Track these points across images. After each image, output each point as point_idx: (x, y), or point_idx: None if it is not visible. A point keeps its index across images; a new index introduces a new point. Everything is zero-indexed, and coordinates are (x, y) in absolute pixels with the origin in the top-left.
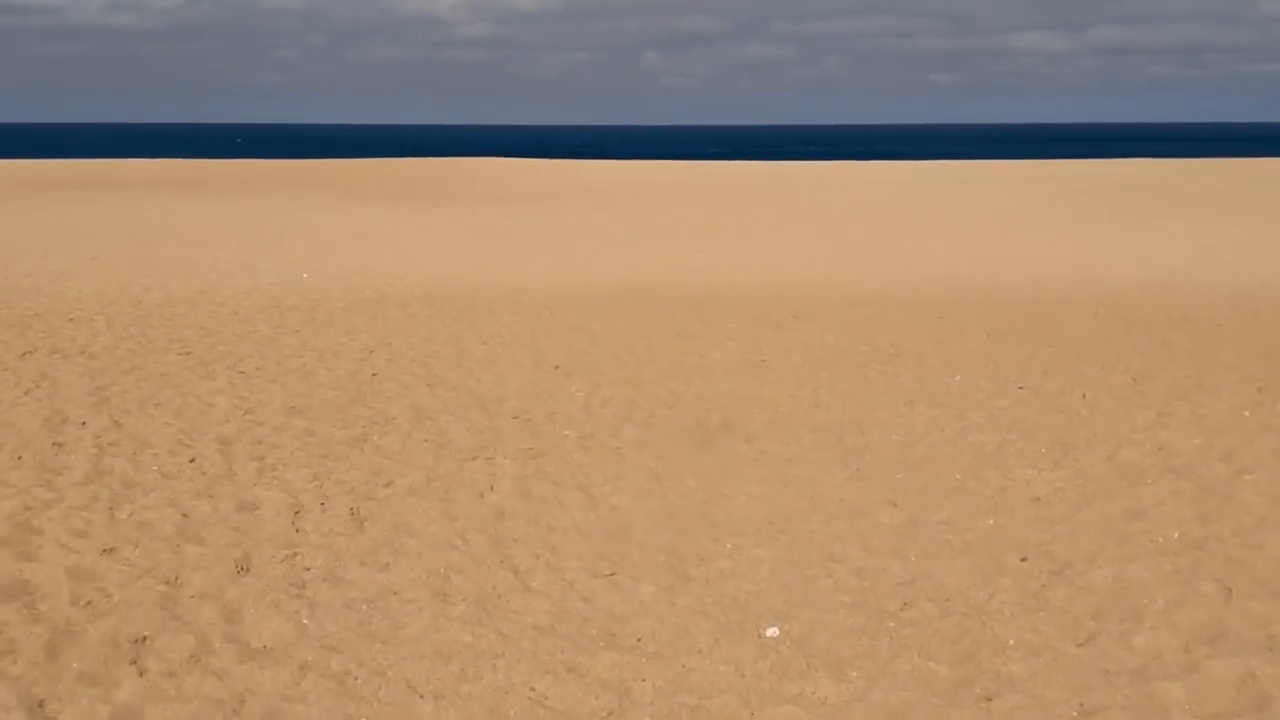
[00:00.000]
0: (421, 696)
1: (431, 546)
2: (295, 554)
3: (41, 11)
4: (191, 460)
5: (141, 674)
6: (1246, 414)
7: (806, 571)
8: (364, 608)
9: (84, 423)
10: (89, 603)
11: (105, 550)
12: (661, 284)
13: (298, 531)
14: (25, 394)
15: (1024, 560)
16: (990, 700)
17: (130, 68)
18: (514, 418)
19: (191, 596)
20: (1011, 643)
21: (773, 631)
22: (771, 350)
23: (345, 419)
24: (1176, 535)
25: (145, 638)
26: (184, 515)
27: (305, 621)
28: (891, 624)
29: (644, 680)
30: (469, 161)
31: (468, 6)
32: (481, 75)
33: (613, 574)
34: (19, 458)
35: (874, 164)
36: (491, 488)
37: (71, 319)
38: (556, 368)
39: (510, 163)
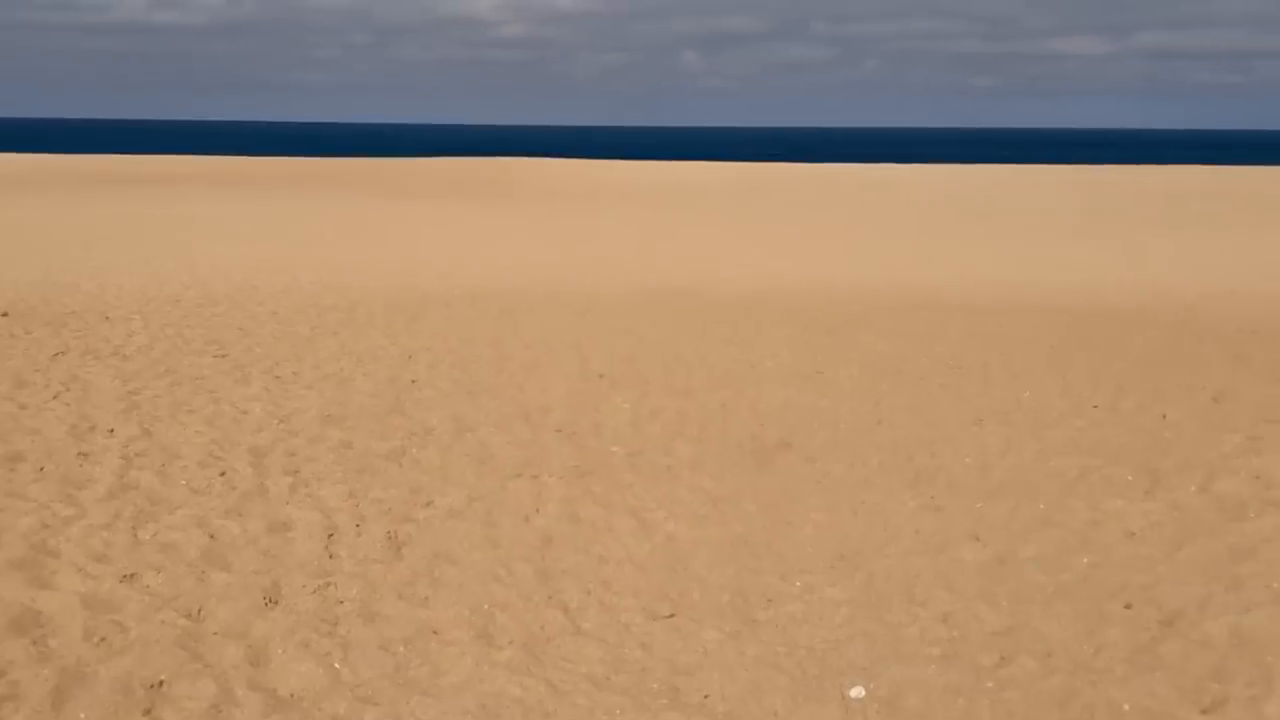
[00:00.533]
0: None
1: (474, 577)
2: (328, 584)
3: (88, 9)
4: (222, 474)
5: None
6: None
7: (888, 617)
8: (401, 649)
9: (112, 430)
10: (103, 639)
11: (125, 576)
12: (705, 286)
13: (331, 557)
14: (54, 398)
15: (1128, 607)
16: None
17: (173, 64)
18: (558, 430)
19: (215, 633)
20: (1127, 708)
21: (857, 691)
22: (827, 359)
23: (383, 430)
24: None
25: (162, 682)
26: (211, 536)
27: (337, 666)
28: (990, 683)
29: None
30: (510, 161)
31: (507, 6)
32: (520, 75)
33: (672, 615)
34: (41, 469)
35: (916, 167)
36: (537, 510)
37: (108, 317)
38: (601, 376)
39: (550, 163)
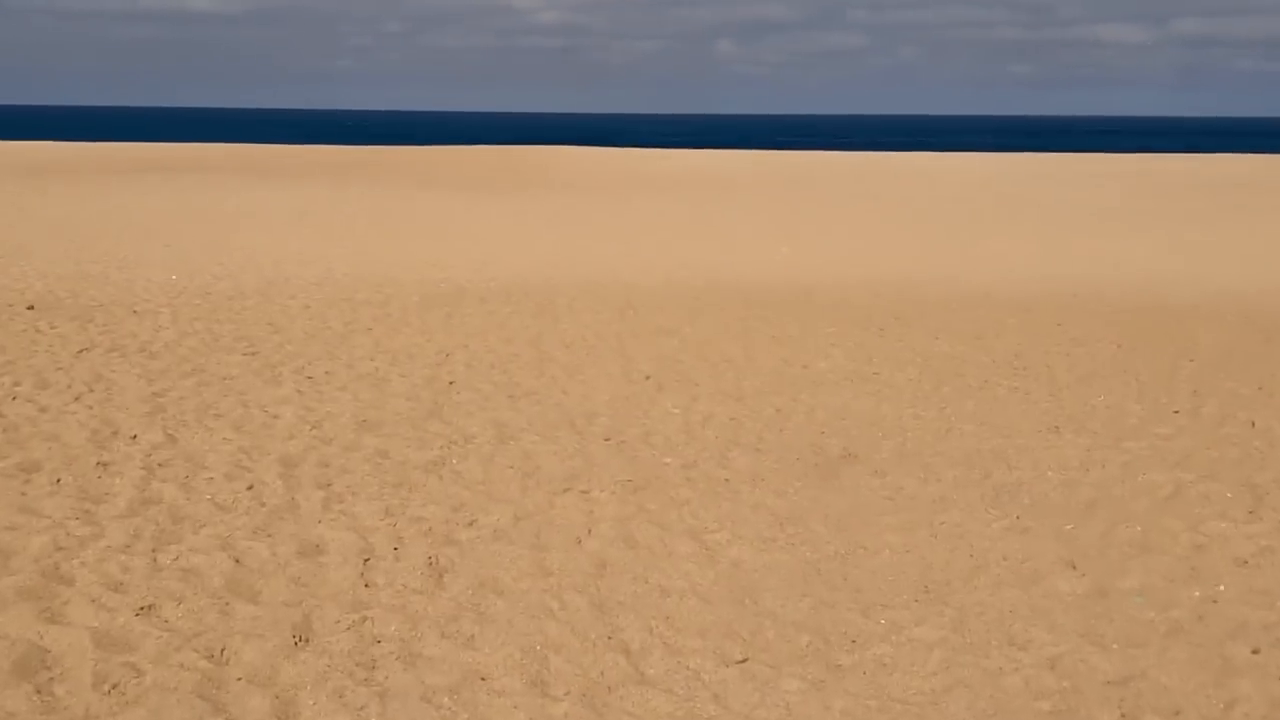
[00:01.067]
0: None
1: (523, 611)
2: (364, 618)
3: None
4: (249, 487)
5: None
6: None
7: (986, 662)
8: (446, 701)
9: (135, 436)
10: (115, 686)
11: (142, 609)
12: (748, 280)
13: (367, 586)
14: (76, 399)
15: (1255, 652)
16: None
17: (207, 53)
18: (606, 439)
19: (238, 679)
20: None
21: None
22: (882, 360)
23: (421, 437)
24: None
25: None
26: (236, 561)
27: None
28: None
29: None
30: (543, 150)
31: None
32: (554, 63)
33: (745, 660)
34: (58, 480)
35: (954, 155)
36: (589, 531)
37: (136, 310)
38: (648, 378)
39: (584, 151)
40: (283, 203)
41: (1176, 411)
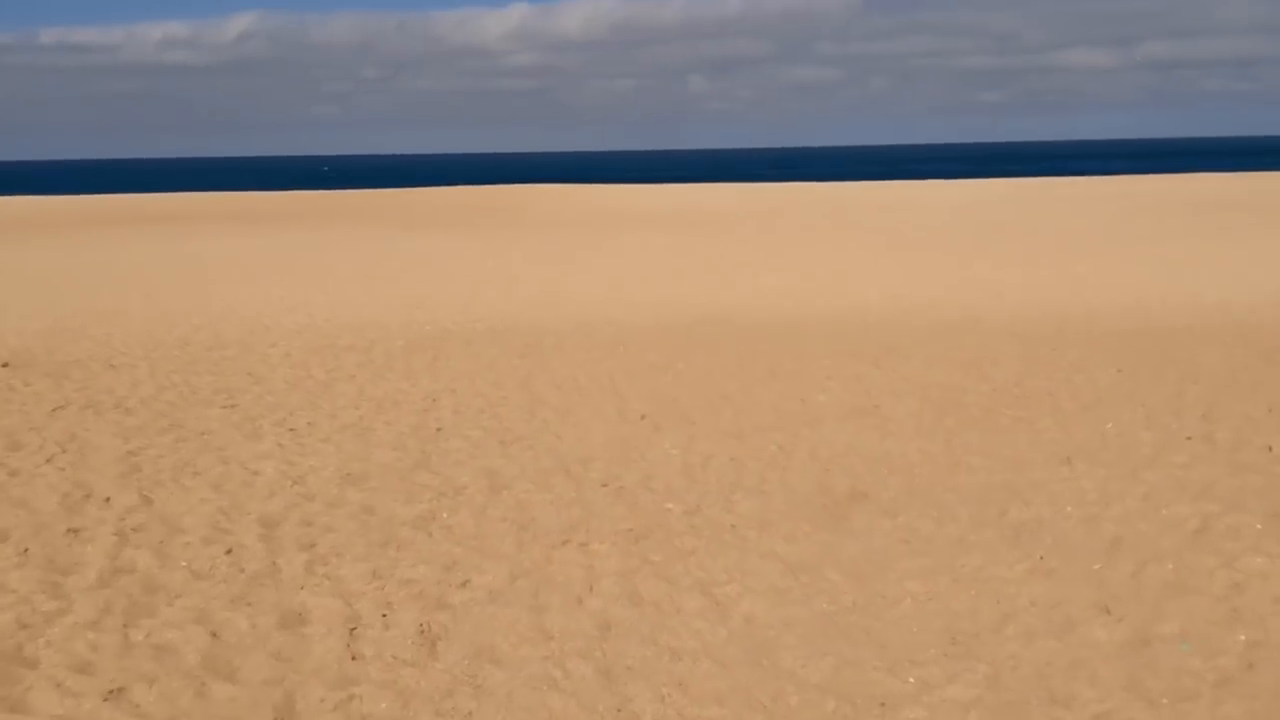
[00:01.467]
0: None
1: (524, 682)
2: (351, 696)
3: (99, 50)
4: (228, 551)
5: None
6: None
7: None
8: None
9: (108, 499)
10: None
11: (111, 692)
12: (737, 313)
13: (354, 659)
14: (48, 461)
15: None
16: None
17: (186, 104)
18: (604, 485)
19: None
20: None
21: None
22: (880, 392)
23: (409, 490)
24: None
25: None
26: (214, 635)
27: None
28: None
29: None
30: (523, 188)
31: (515, 36)
32: (530, 103)
33: None
34: (25, 550)
35: (934, 183)
36: (590, 588)
37: (113, 365)
38: (643, 418)
39: (565, 189)
40: (262, 250)
41: (1189, 438)
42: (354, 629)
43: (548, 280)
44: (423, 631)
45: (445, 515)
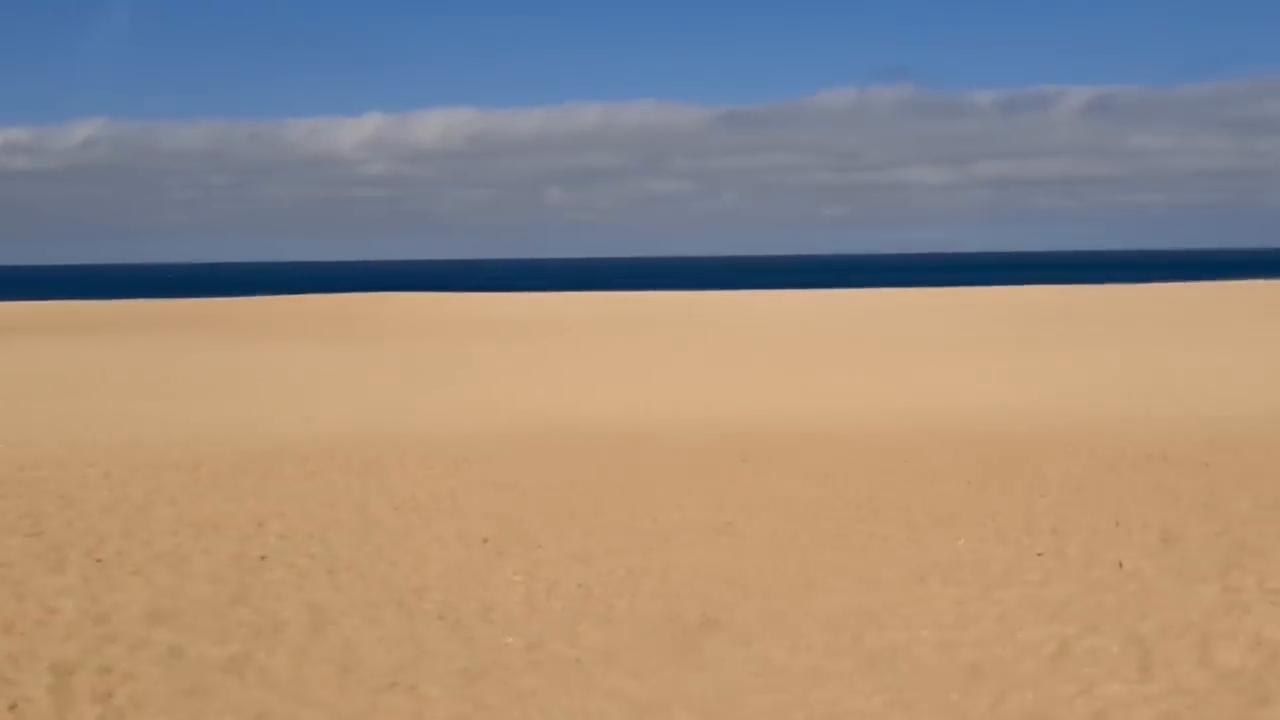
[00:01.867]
0: None
1: None
2: None
3: None
4: (11, 708)
5: None
6: None
7: None
8: None
9: None
10: None
11: None
12: (590, 424)
13: None
14: None
15: None
16: None
17: (28, 210)
18: (440, 618)
19: None
20: None
21: None
22: (735, 507)
23: (223, 628)
24: None
25: None
26: None
27: None
28: None
29: None
30: (376, 296)
31: (368, 146)
32: (384, 212)
33: None
34: None
35: (784, 293)
36: None
37: None
38: (486, 541)
39: (417, 297)
40: (93, 361)
41: (1041, 554)
42: None
43: (395, 391)
44: None
45: (261, 656)
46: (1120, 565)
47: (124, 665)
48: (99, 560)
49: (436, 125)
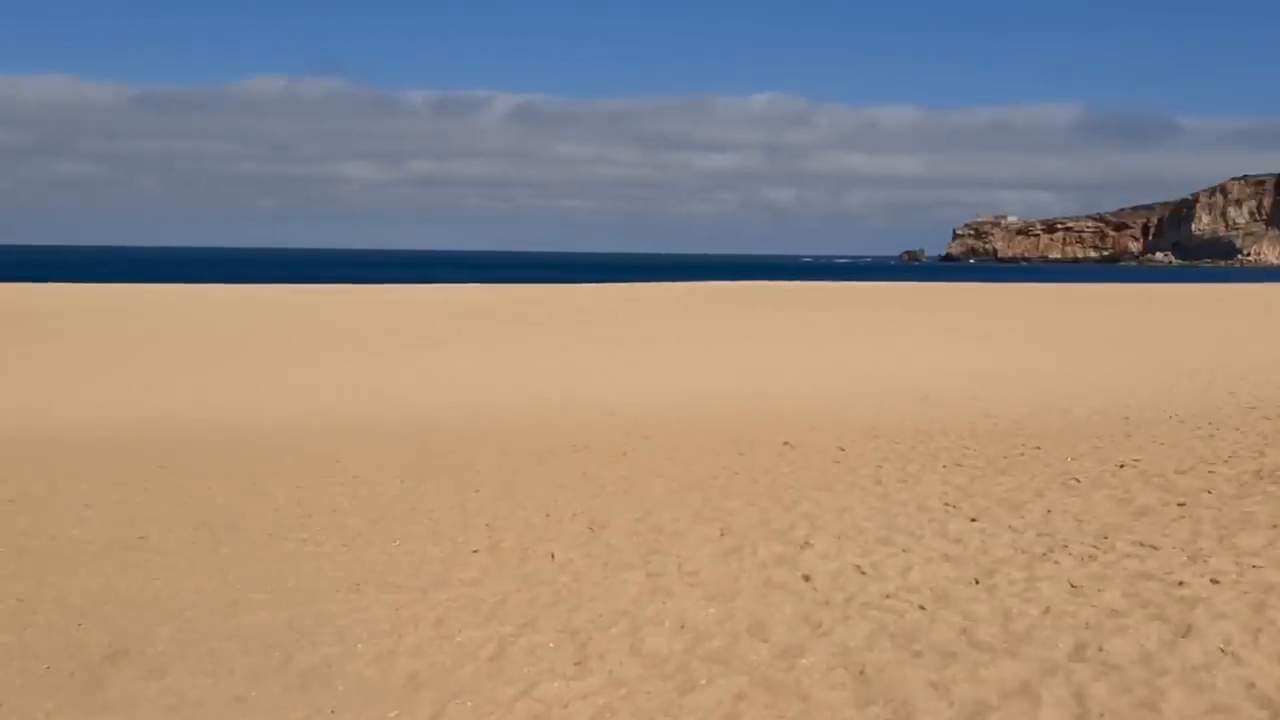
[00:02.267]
0: None
1: None
2: None
3: None
4: None
5: None
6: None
7: None
8: None
9: None
10: None
11: None
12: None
13: None
14: None
15: None
16: None
17: None
18: None
19: None
20: None
21: None
22: (148, 520)
23: None
24: None
25: None
26: None
27: None
28: None
29: None
30: None
31: None
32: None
33: None
34: None
35: (207, 287)
36: None
37: None
38: None
39: None
40: None
41: (476, 551)
42: None
43: None
44: None
45: None
46: (553, 557)
47: None
48: None
49: None
